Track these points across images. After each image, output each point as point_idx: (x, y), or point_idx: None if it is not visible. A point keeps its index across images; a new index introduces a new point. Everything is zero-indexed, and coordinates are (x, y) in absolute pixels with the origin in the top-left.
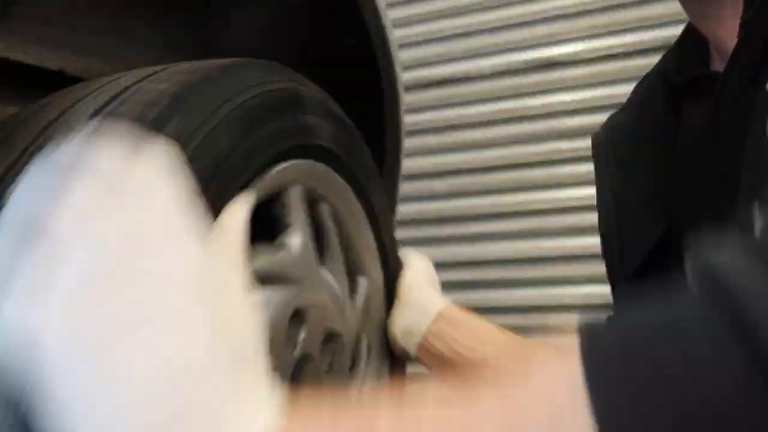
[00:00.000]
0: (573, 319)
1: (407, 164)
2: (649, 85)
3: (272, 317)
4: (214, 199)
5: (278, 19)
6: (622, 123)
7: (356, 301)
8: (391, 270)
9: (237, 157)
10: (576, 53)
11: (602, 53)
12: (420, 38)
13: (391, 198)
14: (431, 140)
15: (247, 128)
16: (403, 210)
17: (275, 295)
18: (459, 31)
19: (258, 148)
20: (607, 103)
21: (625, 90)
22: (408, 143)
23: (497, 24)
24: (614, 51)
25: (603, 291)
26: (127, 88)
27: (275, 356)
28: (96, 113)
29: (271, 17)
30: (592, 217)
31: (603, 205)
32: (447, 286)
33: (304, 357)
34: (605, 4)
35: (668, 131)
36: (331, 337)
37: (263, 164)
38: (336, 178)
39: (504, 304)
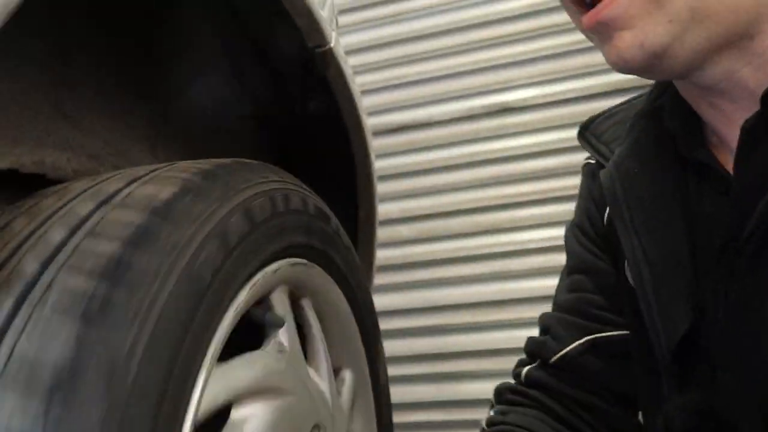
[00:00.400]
0: None
1: None
2: (651, 134)
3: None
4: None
5: (238, 85)
6: (638, 174)
7: (342, 395)
8: (375, 356)
9: (229, 264)
10: (530, 98)
11: (555, 98)
12: (378, 85)
13: (369, 270)
14: (395, 185)
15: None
16: None
17: (269, 410)
18: (416, 77)
19: (252, 251)
20: (563, 146)
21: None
22: None
23: (455, 70)
24: (566, 96)
25: None
26: (113, 195)
27: None
28: (74, 230)
29: (230, 85)
30: (557, 258)
31: (634, 269)
32: (417, 332)
33: None
34: (555, 51)
35: (685, 200)
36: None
37: (255, 269)
38: (320, 272)
39: (474, 347)
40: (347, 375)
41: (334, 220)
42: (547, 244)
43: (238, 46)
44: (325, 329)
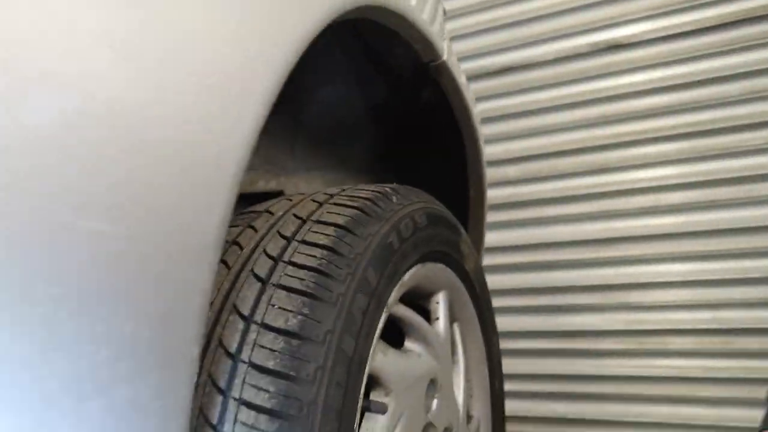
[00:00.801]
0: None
1: None
2: None
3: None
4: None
5: (360, 92)
6: None
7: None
8: (490, 339)
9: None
10: (640, 33)
11: (667, 32)
12: (481, 27)
13: (479, 245)
14: (503, 127)
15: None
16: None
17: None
18: (519, 17)
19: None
20: (675, 83)
21: (693, 69)
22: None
23: (560, 8)
24: (680, 29)
25: (679, 269)
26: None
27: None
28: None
29: (354, 92)
30: (664, 198)
31: None
32: (523, 267)
33: (429, 426)
34: None
35: None
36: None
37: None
38: (448, 272)
39: (579, 283)
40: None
41: (461, 230)
42: (656, 183)
43: (362, 61)
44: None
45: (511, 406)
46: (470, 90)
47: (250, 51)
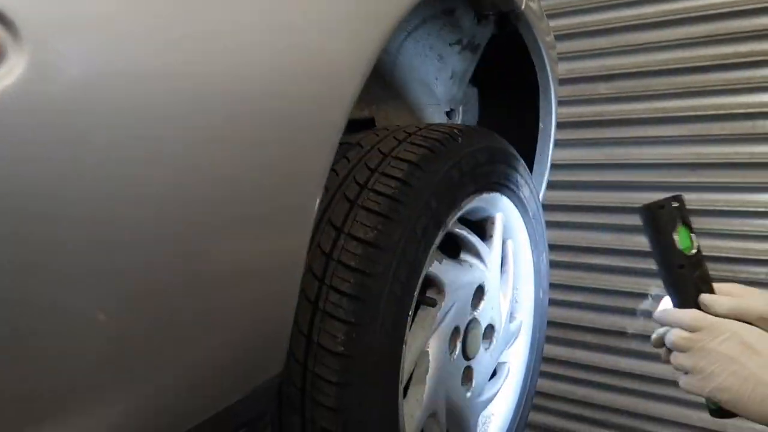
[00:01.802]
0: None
1: (569, 66)
2: None
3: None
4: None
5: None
6: None
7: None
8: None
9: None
10: None
11: None
12: None
13: (540, 178)
14: (595, 42)
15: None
16: (563, 112)
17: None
18: None
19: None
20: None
21: None
22: (572, 45)
23: None
24: None
25: (765, 198)
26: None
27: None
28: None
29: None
30: (761, 125)
31: None
32: (605, 186)
33: (474, 320)
34: None
35: None
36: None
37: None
38: (518, 216)
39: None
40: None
41: (521, 163)
42: (755, 110)
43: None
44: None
45: None
46: (550, 37)
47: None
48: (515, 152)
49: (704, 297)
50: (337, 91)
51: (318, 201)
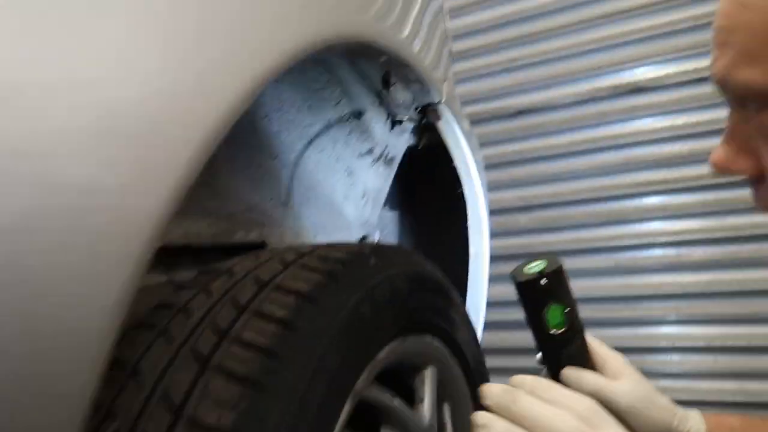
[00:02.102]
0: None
1: (491, 198)
2: None
3: None
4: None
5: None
6: None
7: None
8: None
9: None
10: (663, 76)
11: (691, 76)
12: (495, 68)
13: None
14: (514, 172)
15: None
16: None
17: None
18: (536, 58)
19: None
20: (700, 129)
21: (720, 115)
22: (490, 176)
23: (578, 49)
24: (704, 73)
25: (694, 332)
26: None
27: None
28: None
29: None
30: (686, 252)
31: None
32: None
33: None
34: (693, 23)
35: None
36: None
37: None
38: (456, 367)
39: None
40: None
41: (453, 295)
42: (677, 238)
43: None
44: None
45: None
46: (468, 130)
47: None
48: (446, 279)
49: (566, 372)
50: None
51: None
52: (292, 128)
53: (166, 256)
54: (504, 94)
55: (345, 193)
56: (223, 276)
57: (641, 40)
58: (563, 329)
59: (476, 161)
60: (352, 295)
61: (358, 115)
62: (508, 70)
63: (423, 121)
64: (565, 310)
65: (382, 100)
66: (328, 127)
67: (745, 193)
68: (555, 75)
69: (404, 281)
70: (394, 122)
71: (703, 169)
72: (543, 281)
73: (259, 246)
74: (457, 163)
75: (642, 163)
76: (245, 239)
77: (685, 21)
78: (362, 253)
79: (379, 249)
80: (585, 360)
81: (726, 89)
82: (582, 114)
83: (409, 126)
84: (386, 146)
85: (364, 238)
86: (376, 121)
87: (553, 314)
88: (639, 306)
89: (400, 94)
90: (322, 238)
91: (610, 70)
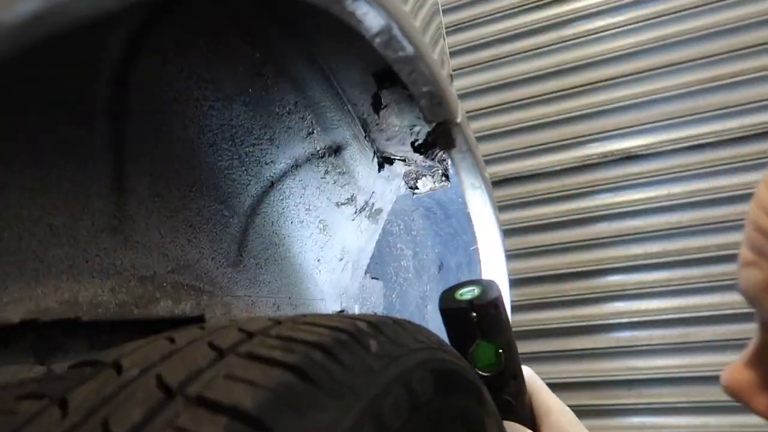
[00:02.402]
0: None
1: None
2: None
3: None
4: None
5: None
6: None
7: None
8: None
9: None
10: (656, 144)
11: (686, 144)
12: (482, 133)
13: None
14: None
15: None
16: None
17: None
18: (524, 124)
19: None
20: (696, 199)
21: (714, 184)
22: None
23: (568, 114)
24: (699, 141)
25: (707, 421)
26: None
27: None
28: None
29: None
30: (693, 332)
31: None
32: None
33: None
34: (685, 90)
35: None
36: None
37: None
38: None
39: None
40: None
41: (485, 396)
42: (680, 315)
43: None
44: None
45: None
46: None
47: None
48: (472, 373)
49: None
50: None
51: None
52: (248, 165)
53: (42, 335)
54: (489, 161)
55: (317, 254)
56: (103, 375)
57: (632, 107)
58: (495, 372)
59: (494, 212)
60: (343, 410)
61: (335, 151)
62: (493, 137)
63: (432, 152)
64: (498, 350)
65: (369, 130)
66: (296, 165)
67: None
68: (543, 142)
69: (424, 376)
70: (383, 161)
71: (705, 241)
72: (473, 315)
73: (193, 322)
74: (474, 209)
75: (637, 235)
76: (171, 313)
77: (678, 87)
78: (356, 331)
79: (382, 324)
80: (521, 411)
81: (760, 307)
82: (572, 182)
83: (401, 168)
84: (372, 194)
85: (341, 311)
86: (360, 160)
87: (484, 353)
88: (646, 391)
89: (394, 120)
90: (287, 311)
91: (601, 137)
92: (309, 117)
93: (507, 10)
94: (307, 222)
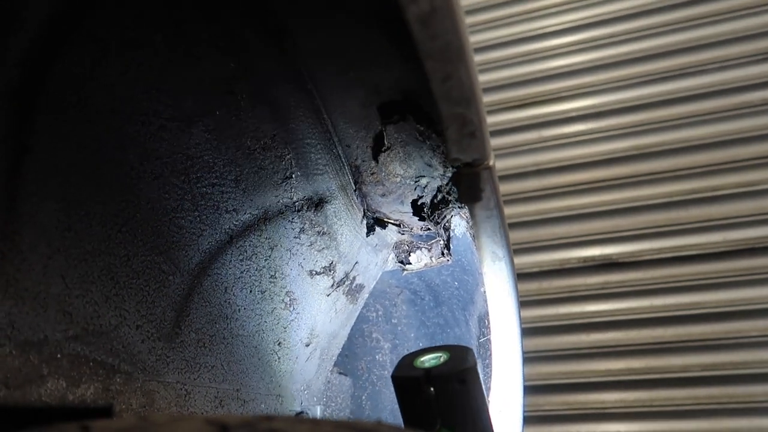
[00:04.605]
0: None
1: None
2: None
3: None
4: None
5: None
6: None
7: None
8: None
9: None
10: (638, 252)
11: (670, 254)
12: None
13: None
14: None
15: None
16: None
17: None
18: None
19: None
20: (680, 313)
21: (699, 299)
22: None
23: (545, 216)
24: (685, 252)
25: None
26: None
27: None
28: None
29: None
30: None
31: None
32: None
33: None
34: (668, 199)
35: None
36: None
37: None
38: None
39: None
40: None
41: None
42: None
43: None
44: None
45: None
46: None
47: None
48: None
49: None
50: None
51: None
52: (203, 209)
53: None
54: None
55: (279, 336)
56: None
57: (614, 212)
58: None
59: (515, 297)
60: None
61: (316, 204)
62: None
63: (439, 215)
64: None
65: (361, 181)
66: (264, 218)
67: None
68: (521, 241)
69: None
70: (375, 223)
71: (693, 359)
72: (430, 389)
73: (94, 415)
74: (493, 290)
75: (621, 347)
76: (63, 399)
77: (660, 196)
78: None
79: None
80: None
81: None
82: (550, 286)
83: (393, 235)
84: (354, 264)
85: (299, 413)
86: (345, 219)
87: None
88: None
89: (396, 168)
90: (234, 408)
91: (580, 241)
92: (288, 156)
93: (489, 107)
94: (270, 293)
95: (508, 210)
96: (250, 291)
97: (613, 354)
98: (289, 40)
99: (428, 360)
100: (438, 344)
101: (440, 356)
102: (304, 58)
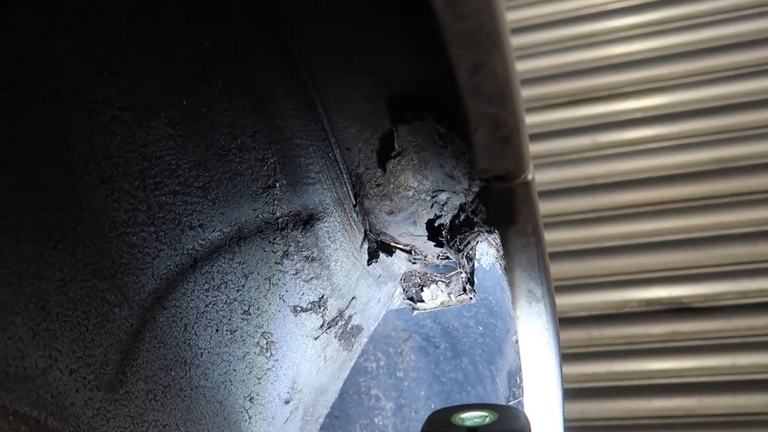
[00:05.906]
0: None
1: None
2: None
3: None
4: None
5: None
6: None
7: None
8: None
9: None
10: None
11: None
12: None
13: None
14: None
15: None
16: None
17: None
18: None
19: None
20: None
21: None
22: None
23: (595, 245)
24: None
25: None
26: None
27: None
28: None
29: None
30: None
31: None
32: None
33: None
34: (753, 229)
35: None
36: None
37: None
38: None
39: None
40: None
41: None
42: None
43: None
44: None
45: None
46: None
47: None
48: None
49: None
50: None
51: None
52: (160, 225)
53: None
54: None
55: (251, 389)
56: None
57: (686, 243)
58: None
59: (557, 348)
60: None
61: (305, 222)
62: None
63: (463, 240)
64: None
65: (364, 194)
66: (238, 237)
67: None
68: (565, 277)
69: None
70: (378, 248)
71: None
72: None
73: None
74: (527, 339)
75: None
76: None
77: (750, 224)
78: None
79: None
80: None
81: None
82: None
83: (401, 264)
84: (350, 300)
85: None
86: (341, 242)
87: None
88: None
89: (409, 179)
90: None
91: (643, 278)
92: (271, 160)
93: (529, 104)
94: (242, 333)
95: (550, 236)
96: (217, 330)
97: (683, 427)
98: (279, 15)
99: (470, 418)
100: (456, 404)
101: (486, 416)
102: (296, 38)
